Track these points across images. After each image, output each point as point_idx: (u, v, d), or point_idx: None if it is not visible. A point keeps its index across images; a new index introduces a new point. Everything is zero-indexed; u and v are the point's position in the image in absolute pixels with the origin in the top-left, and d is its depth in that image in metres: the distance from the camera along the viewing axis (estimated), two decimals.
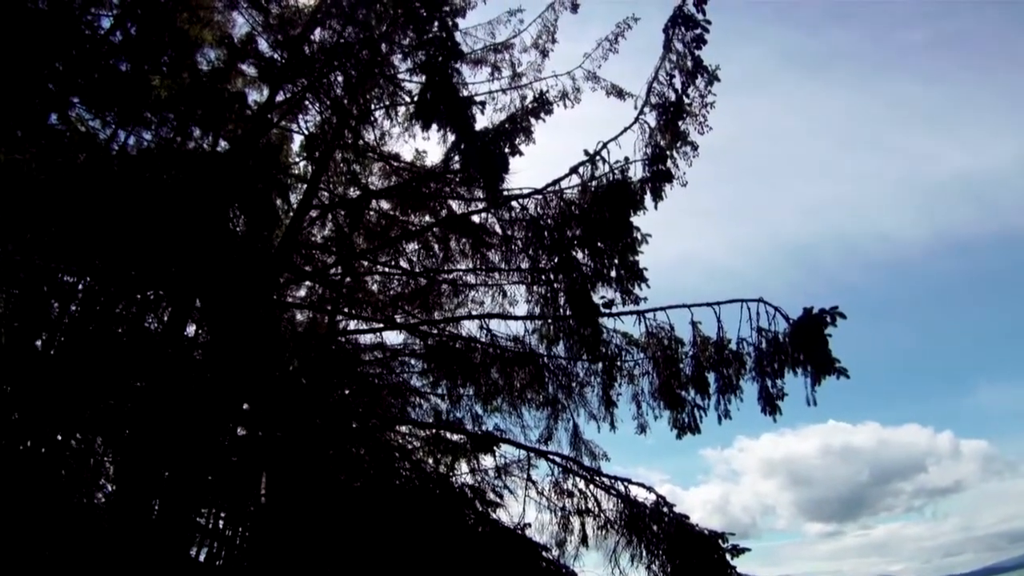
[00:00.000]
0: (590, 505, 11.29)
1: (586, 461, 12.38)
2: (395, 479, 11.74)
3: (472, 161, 10.69)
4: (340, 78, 12.20)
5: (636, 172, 10.70)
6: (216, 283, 10.15)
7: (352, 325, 14.17)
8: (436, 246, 13.91)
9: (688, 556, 10.23)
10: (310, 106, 12.80)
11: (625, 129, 10.73)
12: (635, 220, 10.85)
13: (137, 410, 9.43)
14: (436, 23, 10.95)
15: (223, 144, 11.68)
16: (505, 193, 11.23)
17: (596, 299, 11.15)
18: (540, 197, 11.23)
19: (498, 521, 11.66)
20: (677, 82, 10.56)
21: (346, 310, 14.02)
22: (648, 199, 10.69)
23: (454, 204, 13.95)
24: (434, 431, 13.22)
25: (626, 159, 10.65)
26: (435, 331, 13.36)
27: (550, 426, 12.84)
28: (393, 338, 14.21)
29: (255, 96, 12.75)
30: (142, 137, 11.14)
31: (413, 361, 14.29)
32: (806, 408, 9.90)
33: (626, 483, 11.16)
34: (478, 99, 11.12)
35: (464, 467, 12.69)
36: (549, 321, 11.76)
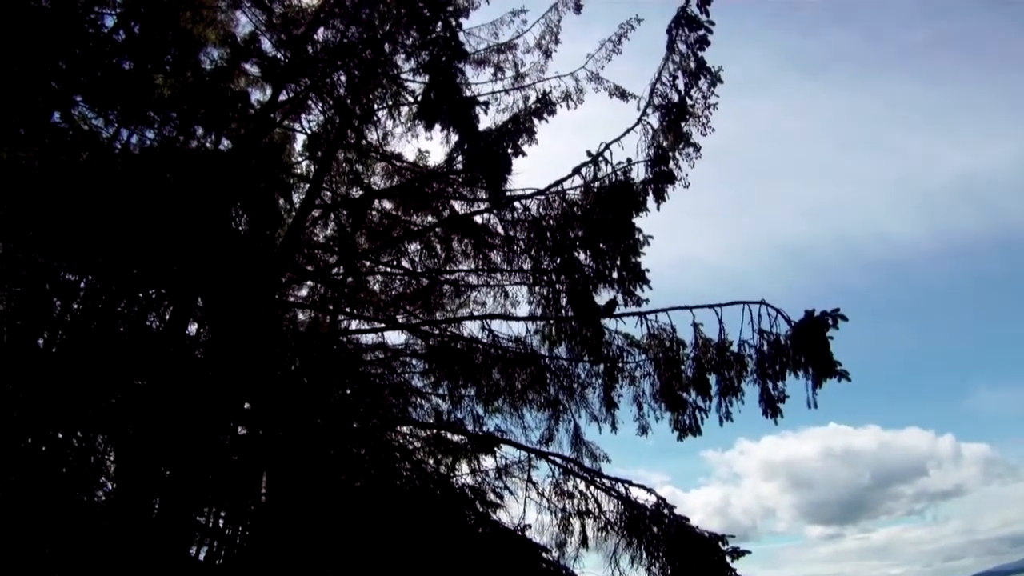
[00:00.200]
0: (590, 506, 11.30)
1: (587, 462, 12.39)
2: (396, 479, 11.75)
3: (475, 161, 10.70)
4: (343, 78, 12.20)
5: (639, 173, 10.71)
6: (218, 282, 10.15)
7: (354, 325, 14.18)
8: (438, 246, 13.92)
9: (688, 558, 10.23)
10: (313, 106, 12.81)
11: (628, 130, 10.73)
12: (637, 221, 10.84)
13: (138, 409, 9.44)
14: (439, 23, 10.98)
15: (226, 143, 11.68)
16: (508, 194, 11.24)
17: (598, 301, 11.15)
18: (543, 198, 11.24)
19: (498, 522, 11.68)
20: (680, 83, 10.55)
21: (348, 310, 14.02)
22: (650, 200, 10.69)
23: (456, 204, 13.95)
24: (435, 431, 13.21)
25: (629, 160, 10.65)
26: (437, 331, 13.36)
27: (551, 427, 12.85)
28: (395, 338, 14.24)
29: (258, 95, 12.77)
30: (145, 136, 11.15)
31: (414, 361, 14.30)
32: (807, 410, 9.92)
33: (627, 485, 11.17)
34: (481, 99, 11.15)
35: (465, 468, 12.70)
36: (551, 322, 11.75)
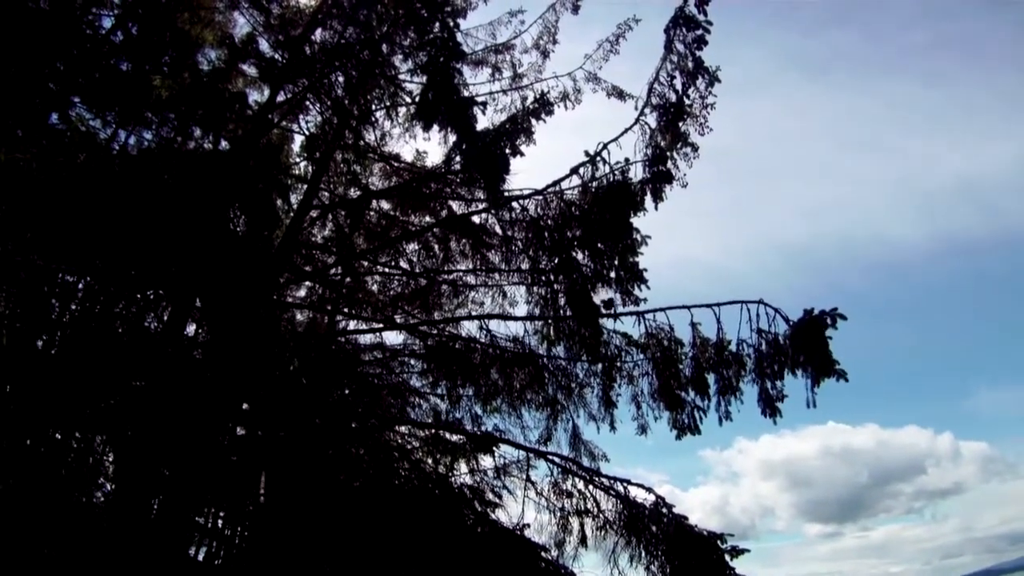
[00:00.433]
0: (589, 506, 11.31)
1: (585, 462, 12.39)
2: (394, 479, 11.75)
3: (473, 162, 10.70)
4: (341, 78, 12.21)
5: (636, 173, 10.72)
6: (216, 283, 10.15)
7: (352, 325, 14.19)
8: (436, 246, 13.93)
9: (687, 557, 10.24)
10: (311, 106, 12.82)
11: (626, 130, 10.75)
12: (635, 221, 10.87)
13: (137, 409, 9.43)
14: (437, 24, 10.98)
15: (224, 144, 11.67)
16: (506, 194, 11.25)
17: (597, 300, 11.17)
18: (540, 198, 11.26)
19: (497, 521, 11.67)
20: (678, 83, 10.57)
21: (346, 310, 14.02)
22: (648, 200, 10.71)
23: (454, 205, 13.97)
24: (433, 431, 13.22)
25: (626, 160, 10.67)
26: (435, 331, 13.36)
27: (549, 427, 12.85)
28: (393, 338, 14.24)
29: (256, 96, 12.77)
30: (143, 137, 11.16)
31: (413, 361, 14.29)
32: (806, 409, 9.94)
33: (625, 484, 11.18)
34: (479, 100, 11.13)
35: (463, 467, 12.70)
36: (549, 322, 11.76)
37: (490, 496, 12.22)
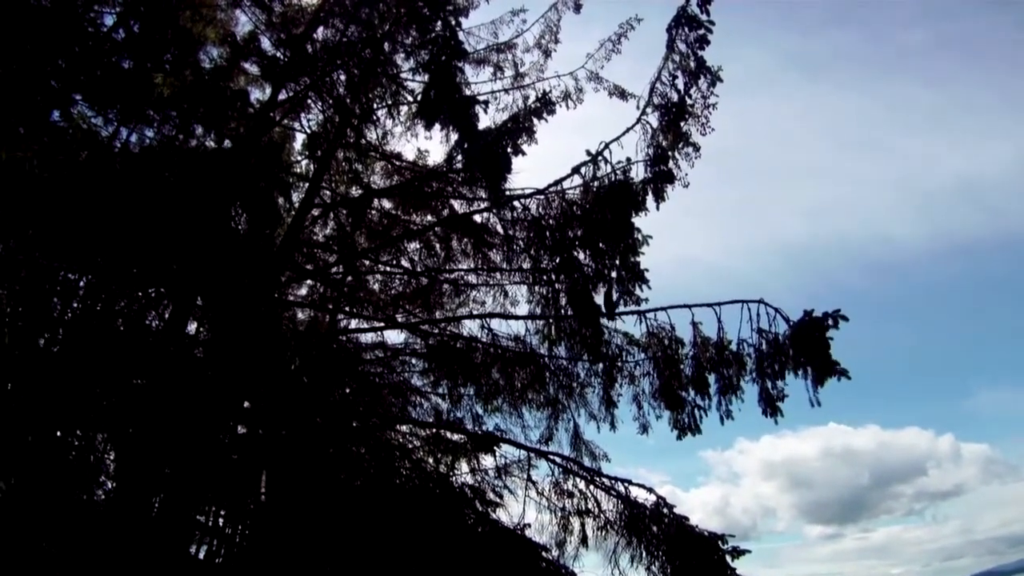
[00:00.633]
0: (590, 506, 11.30)
1: (586, 462, 12.40)
2: (395, 478, 11.76)
3: (474, 161, 10.68)
4: (343, 77, 12.20)
5: (638, 173, 10.68)
6: (217, 281, 10.16)
7: (353, 324, 14.20)
8: (438, 245, 13.93)
9: (688, 557, 10.23)
10: (312, 105, 12.80)
11: (627, 130, 10.71)
12: (637, 221, 10.82)
13: (138, 408, 9.44)
14: (439, 22, 10.96)
15: (225, 142, 11.67)
16: (507, 193, 11.21)
17: (598, 300, 11.15)
18: (542, 197, 11.23)
19: (498, 521, 11.68)
20: (680, 83, 10.53)
21: (347, 309, 14.02)
22: (650, 200, 10.67)
23: (456, 204, 13.95)
24: (434, 431, 13.22)
25: (628, 160, 10.63)
26: (436, 331, 13.37)
27: (551, 426, 12.86)
28: (394, 337, 14.25)
29: (257, 94, 12.75)
30: (144, 135, 11.17)
31: (414, 360, 14.30)
32: (806, 410, 9.93)
33: (626, 484, 11.17)
34: (481, 99, 11.11)
35: (464, 467, 12.70)
36: (550, 321, 11.74)
37: (491, 496, 12.23)
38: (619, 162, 10.64)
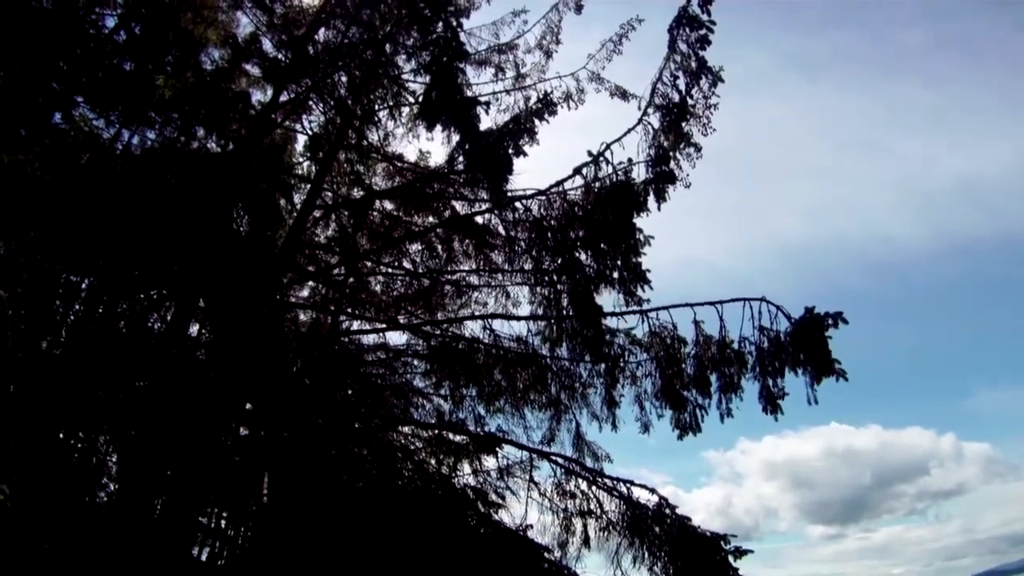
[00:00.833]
0: (592, 507, 11.27)
1: (589, 462, 12.38)
2: (397, 480, 11.74)
3: (476, 162, 10.68)
4: (344, 78, 12.22)
5: (639, 173, 10.69)
6: (219, 283, 10.16)
7: (355, 325, 14.19)
8: (439, 247, 13.92)
9: (690, 558, 10.22)
10: (314, 106, 12.82)
11: (629, 130, 10.72)
12: (638, 221, 10.83)
13: (140, 409, 9.44)
14: (440, 24, 10.97)
15: (227, 144, 11.67)
16: (509, 194, 11.21)
17: (599, 301, 11.16)
18: (544, 198, 11.23)
19: (500, 522, 11.67)
20: (681, 83, 10.53)
21: (349, 310, 14.02)
22: (651, 200, 10.68)
23: (458, 205, 13.96)
24: (436, 432, 13.20)
25: (629, 160, 10.64)
26: (438, 332, 13.35)
27: (553, 427, 12.85)
28: (396, 339, 14.25)
29: (259, 96, 12.78)
30: (146, 137, 11.19)
31: (416, 362, 14.30)
32: (808, 410, 9.92)
33: (628, 485, 11.15)
34: (482, 100, 11.14)
35: (466, 468, 12.70)
36: (552, 322, 11.73)
37: (493, 497, 12.22)
38: (620, 163, 10.66)
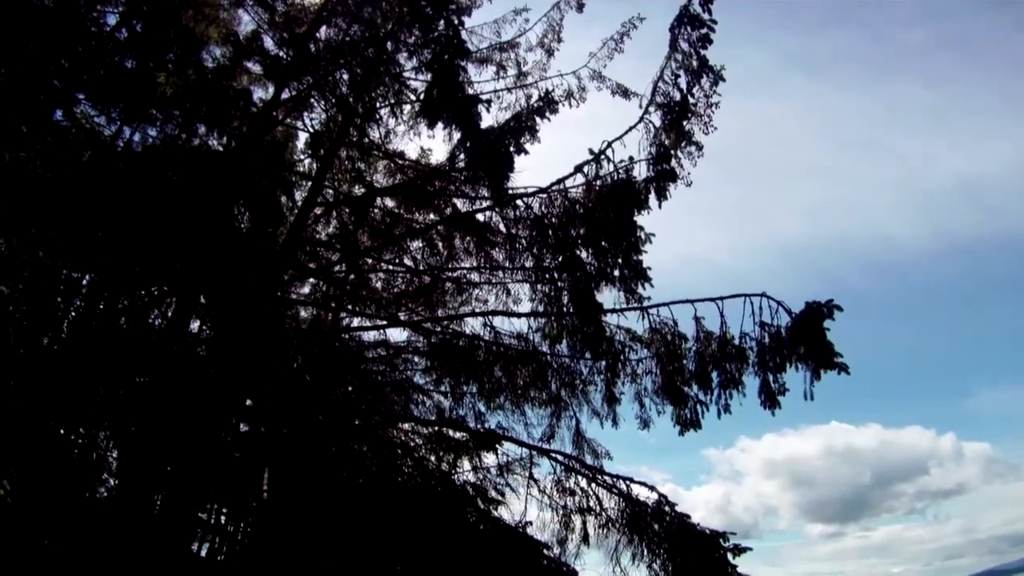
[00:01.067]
0: (592, 504, 11.29)
1: (588, 460, 12.42)
2: (397, 476, 11.78)
3: (477, 159, 10.68)
4: (346, 76, 12.22)
5: (640, 171, 10.68)
6: (220, 280, 10.18)
7: (356, 322, 14.23)
8: (440, 244, 13.93)
9: (689, 555, 10.23)
10: (315, 104, 12.83)
11: (630, 128, 10.70)
12: (639, 219, 10.83)
13: (141, 406, 9.47)
14: (442, 21, 10.95)
15: (228, 141, 11.69)
16: (510, 191, 11.20)
17: (600, 298, 11.17)
18: (545, 196, 11.22)
19: (499, 519, 11.71)
20: (682, 82, 10.51)
21: (350, 307, 14.05)
22: (652, 198, 10.67)
23: (459, 202, 13.96)
24: (437, 428, 13.24)
25: (631, 158, 10.62)
26: (438, 329, 13.39)
27: (553, 424, 12.87)
28: (397, 335, 14.27)
29: (260, 94, 12.80)
30: (147, 134, 11.21)
31: (416, 358, 14.33)
32: (808, 409, 10.01)
33: (628, 482, 11.16)
34: (483, 97, 11.08)
35: (466, 465, 12.74)
36: (553, 319, 11.74)
37: (493, 494, 12.26)
38: (622, 161, 10.65)
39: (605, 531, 11.04)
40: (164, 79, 10.39)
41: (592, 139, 10.81)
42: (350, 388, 13.57)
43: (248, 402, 11.18)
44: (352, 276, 14.07)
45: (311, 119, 13.21)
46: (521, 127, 10.88)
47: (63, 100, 10.26)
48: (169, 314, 10.35)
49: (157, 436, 9.26)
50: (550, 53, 13.84)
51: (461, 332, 13.17)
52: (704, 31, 10.30)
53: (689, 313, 11.08)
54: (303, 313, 14.14)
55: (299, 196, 12.95)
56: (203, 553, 10.13)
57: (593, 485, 11.38)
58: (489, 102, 11.09)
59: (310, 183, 12.55)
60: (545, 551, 11.16)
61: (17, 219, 8.76)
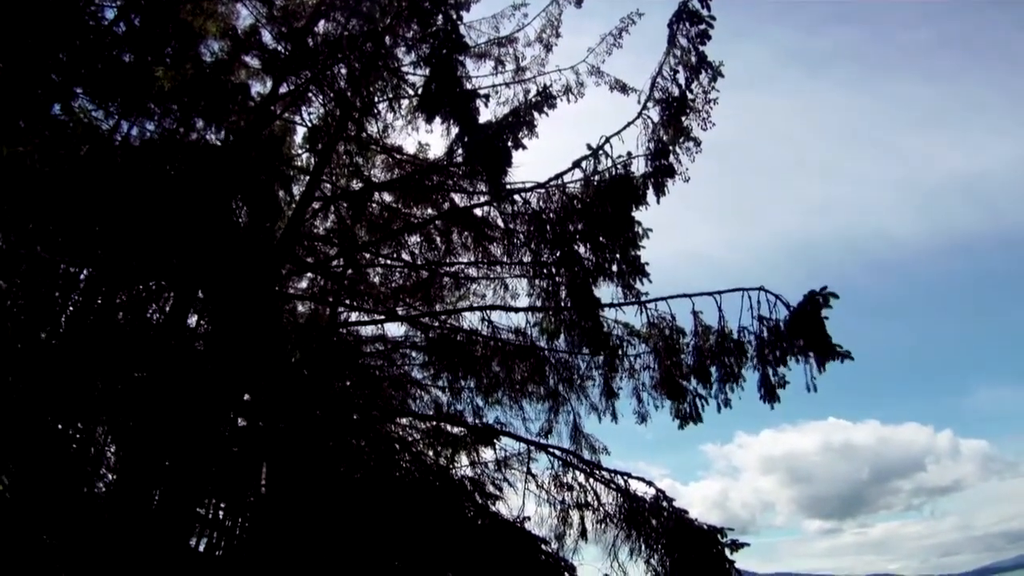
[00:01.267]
0: (590, 499, 11.28)
1: (586, 455, 12.42)
2: (395, 471, 11.78)
3: (475, 154, 10.68)
4: (344, 70, 12.21)
5: (639, 167, 10.70)
6: (218, 274, 10.17)
7: (353, 317, 14.25)
8: (438, 239, 13.91)
9: (687, 550, 10.24)
10: (313, 98, 12.82)
11: (628, 124, 10.72)
12: (637, 215, 10.86)
13: (138, 400, 9.47)
14: (440, 16, 10.94)
15: (226, 135, 11.68)
16: (508, 186, 11.20)
17: (598, 293, 11.19)
18: (543, 191, 11.23)
19: (497, 514, 11.70)
20: (681, 77, 10.53)
21: (348, 302, 14.06)
22: (650, 194, 10.69)
23: (456, 197, 13.93)
24: (434, 423, 13.26)
25: (629, 154, 10.64)
26: (436, 323, 13.38)
27: (550, 419, 12.90)
28: (394, 330, 14.28)
29: (258, 88, 12.79)
30: (145, 128, 11.20)
31: (414, 353, 14.32)
32: (806, 405, 10.04)
33: (626, 477, 11.16)
34: (482, 92, 11.06)
35: (464, 460, 12.77)
36: (550, 314, 11.75)
37: (491, 488, 12.27)
38: (620, 156, 10.67)
39: (603, 526, 11.05)
40: (162, 73, 10.38)
41: (590, 134, 10.85)
42: (348, 383, 13.58)
43: (246, 397, 11.19)
44: (350, 271, 14.09)
45: (309, 113, 13.21)
46: (519, 122, 10.88)
47: (61, 94, 10.25)
48: (167, 309, 10.34)
49: (155, 431, 9.26)
50: (548, 48, 13.85)
51: (459, 327, 13.17)
52: (703, 27, 10.31)
53: (687, 308, 11.12)
54: (301, 308, 14.16)
55: (297, 191, 12.97)
56: (201, 548, 10.13)
57: (591, 480, 11.38)
58: (487, 97, 11.07)
59: (308, 177, 12.56)
60: (543, 546, 11.16)
61: (15, 213, 8.76)
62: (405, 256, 14.41)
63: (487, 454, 12.51)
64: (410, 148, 14.42)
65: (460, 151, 11.04)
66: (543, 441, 12.31)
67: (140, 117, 10.97)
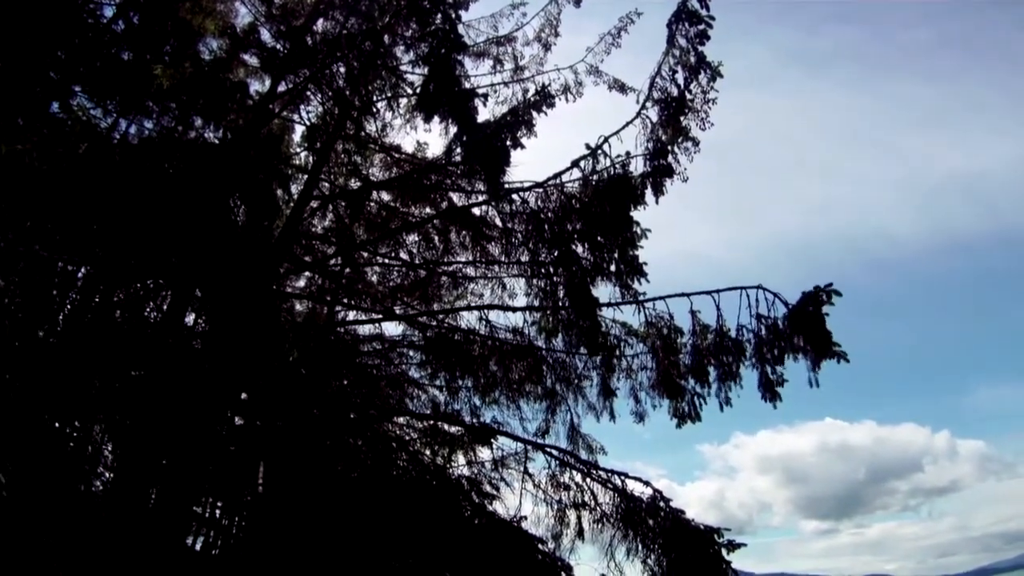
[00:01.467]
0: (586, 498, 11.29)
1: (583, 455, 12.43)
2: (392, 470, 11.78)
3: (473, 153, 10.69)
4: (342, 69, 12.20)
5: (637, 167, 10.73)
6: (216, 273, 10.16)
7: (351, 316, 14.22)
8: (436, 238, 13.91)
9: (683, 550, 10.25)
10: (312, 97, 12.81)
11: (627, 124, 10.75)
12: (635, 215, 10.88)
13: (136, 399, 9.45)
14: (439, 15, 10.96)
15: (225, 134, 11.67)
16: (506, 186, 11.22)
17: (596, 293, 11.20)
18: (541, 190, 11.24)
19: (494, 513, 11.69)
20: (679, 77, 10.55)
21: (345, 301, 14.05)
22: (649, 194, 10.71)
23: (455, 196, 13.95)
24: (432, 423, 13.25)
25: (627, 153, 10.67)
26: (434, 323, 13.38)
27: (548, 419, 12.90)
28: (392, 329, 14.28)
29: (257, 86, 12.77)
30: (143, 126, 11.17)
31: (412, 352, 14.31)
32: (803, 405, 10.06)
33: (623, 477, 11.18)
34: (480, 91, 11.09)
35: (461, 459, 12.75)
36: (548, 313, 11.76)
37: (487, 488, 12.25)
38: (618, 156, 10.70)
39: (600, 526, 11.06)
40: (161, 71, 10.36)
41: (589, 134, 10.85)
42: (345, 382, 13.56)
43: (243, 396, 11.18)
44: (348, 270, 14.08)
45: (308, 112, 13.21)
46: (518, 121, 10.89)
47: (59, 92, 10.24)
48: (165, 307, 10.32)
49: (152, 429, 9.25)
50: (547, 47, 13.87)
51: (457, 326, 13.17)
52: (702, 27, 10.34)
53: (685, 307, 11.15)
54: (298, 307, 14.14)
55: (295, 189, 12.95)
56: (198, 547, 10.12)
57: (588, 480, 11.39)
58: (486, 96, 11.10)
59: (306, 176, 12.56)
60: (540, 545, 11.17)
61: (14, 211, 8.74)
62: (403, 255, 14.42)
63: (484, 453, 12.50)
64: (408, 147, 14.47)
65: (458, 150, 11.06)
66: (540, 441, 12.35)
67: (139, 115, 10.95)
